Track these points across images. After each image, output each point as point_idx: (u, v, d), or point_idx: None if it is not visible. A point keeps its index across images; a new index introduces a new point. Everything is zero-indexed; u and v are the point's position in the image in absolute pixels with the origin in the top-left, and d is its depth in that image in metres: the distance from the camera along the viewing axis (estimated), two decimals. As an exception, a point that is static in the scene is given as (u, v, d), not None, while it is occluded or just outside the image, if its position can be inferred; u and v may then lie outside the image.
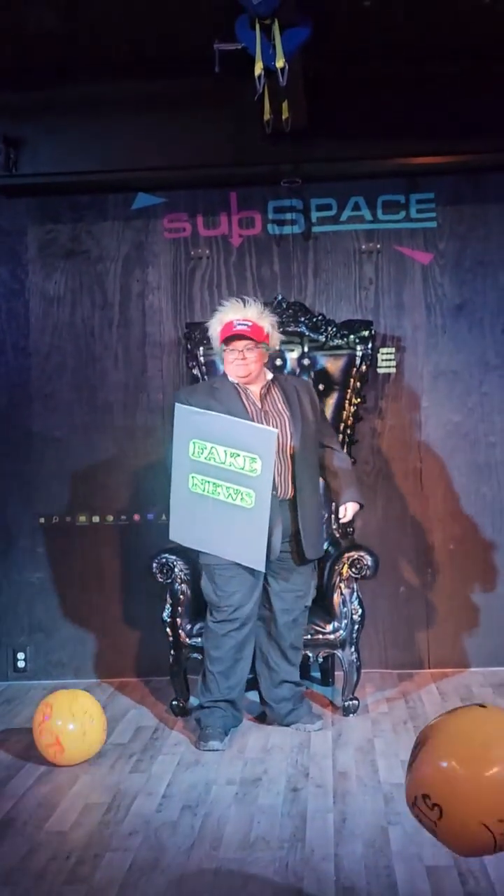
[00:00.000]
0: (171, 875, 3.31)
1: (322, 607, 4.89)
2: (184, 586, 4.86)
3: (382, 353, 5.56)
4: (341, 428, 5.29)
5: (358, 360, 5.29)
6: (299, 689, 4.76)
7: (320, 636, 4.81)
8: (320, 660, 5.04)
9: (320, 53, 4.41)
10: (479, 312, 5.56)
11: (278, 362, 5.27)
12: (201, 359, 5.33)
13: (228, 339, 4.49)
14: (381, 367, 5.56)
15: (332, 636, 4.83)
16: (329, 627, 4.82)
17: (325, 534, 5.03)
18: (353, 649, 4.82)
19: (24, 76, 4.93)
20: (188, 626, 4.84)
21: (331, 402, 5.30)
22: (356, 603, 4.82)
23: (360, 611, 4.82)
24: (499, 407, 5.57)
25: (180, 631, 4.84)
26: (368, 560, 4.80)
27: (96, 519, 5.67)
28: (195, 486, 4.39)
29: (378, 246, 5.59)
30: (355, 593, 4.82)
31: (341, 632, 4.82)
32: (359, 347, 5.28)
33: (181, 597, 4.86)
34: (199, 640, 4.77)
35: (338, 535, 5.21)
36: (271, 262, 5.63)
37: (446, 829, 2.39)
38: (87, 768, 4.28)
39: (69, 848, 3.53)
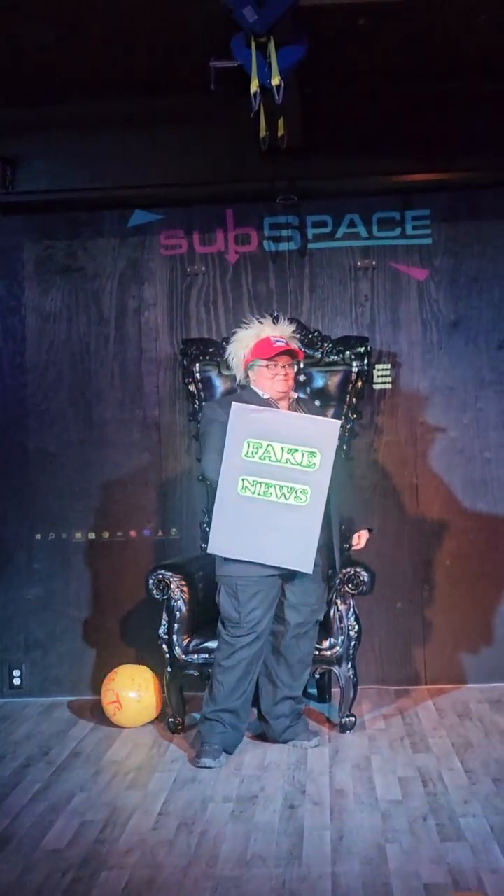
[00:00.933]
0: (167, 893, 3.29)
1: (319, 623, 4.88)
2: (180, 602, 4.85)
3: (378, 370, 5.57)
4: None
5: (354, 376, 5.29)
6: (299, 707, 4.74)
7: (317, 652, 4.79)
8: (317, 676, 5.04)
9: (316, 71, 4.45)
10: (474, 328, 5.58)
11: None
12: (197, 375, 5.33)
13: (275, 355, 4.56)
14: (377, 383, 5.57)
15: (328, 652, 4.81)
16: (326, 644, 4.80)
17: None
18: (349, 666, 4.80)
19: (20, 94, 4.96)
20: (184, 643, 4.83)
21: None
22: (353, 619, 4.81)
23: (356, 627, 4.81)
24: (494, 423, 5.58)
25: (176, 647, 4.82)
26: (365, 576, 4.79)
27: (92, 535, 5.66)
28: (244, 489, 4.41)
29: (373, 262, 5.61)
30: (352, 609, 4.81)
31: (338, 648, 4.80)
32: (355, 363, 5.29)
33: (177, 613, 4.84)
34: (196, 657, 4.77)
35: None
36: (267, 278, 5.65)
37: None
38: (83, 785, 4.26)
39: (65, 866, 3.51)
